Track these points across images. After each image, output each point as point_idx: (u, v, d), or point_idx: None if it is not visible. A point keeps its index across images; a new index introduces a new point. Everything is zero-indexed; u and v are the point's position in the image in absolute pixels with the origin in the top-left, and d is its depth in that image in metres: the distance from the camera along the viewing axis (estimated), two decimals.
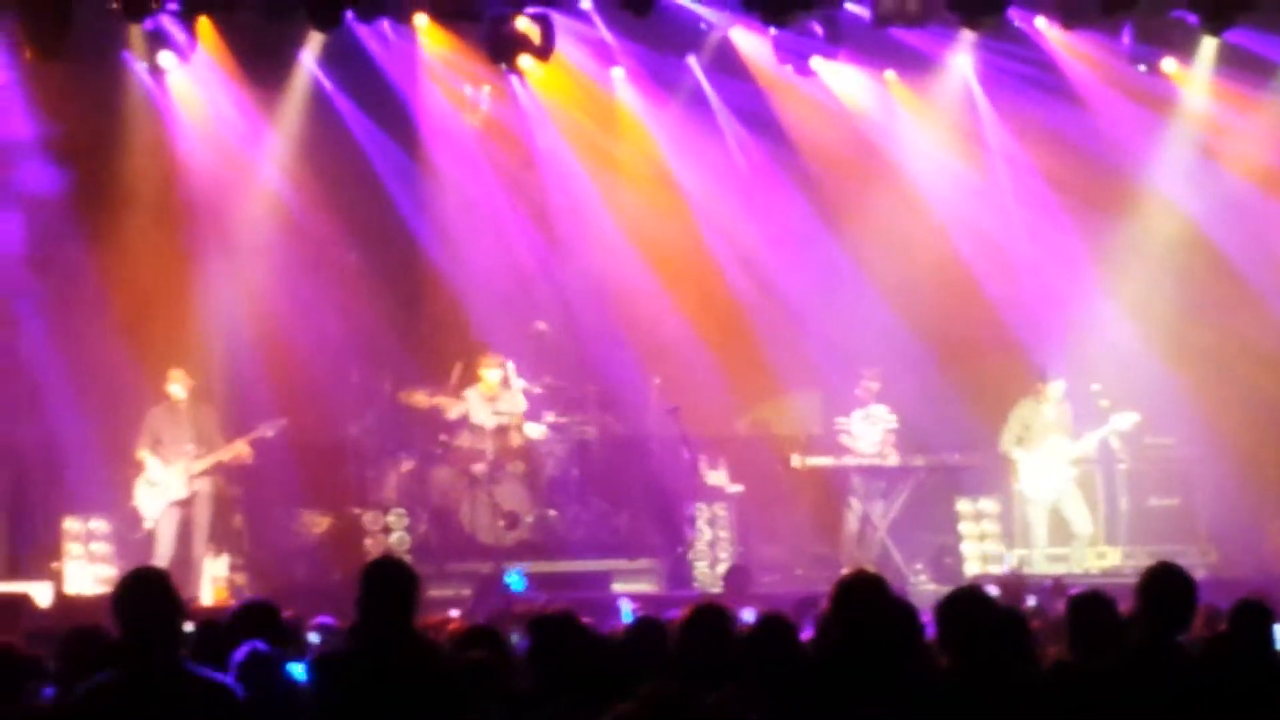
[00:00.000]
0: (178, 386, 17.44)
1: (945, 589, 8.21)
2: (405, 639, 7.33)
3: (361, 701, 7.19)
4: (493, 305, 19.57)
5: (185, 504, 17.40)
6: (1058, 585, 13.78)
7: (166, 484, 17.34)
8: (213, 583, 17.34)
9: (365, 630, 7.36)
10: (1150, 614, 7.37)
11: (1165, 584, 7.43)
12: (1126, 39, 18.32)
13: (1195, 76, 18.89)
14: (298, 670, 7.78)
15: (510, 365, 18.74)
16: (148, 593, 6.79)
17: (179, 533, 17.38)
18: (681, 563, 18.10)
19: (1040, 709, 7.03)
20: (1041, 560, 17.95)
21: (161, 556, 16.87)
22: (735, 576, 16.85)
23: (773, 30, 17.83)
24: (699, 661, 7.48)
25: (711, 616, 7.76)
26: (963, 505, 18.58)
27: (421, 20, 18.34)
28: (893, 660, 6.98)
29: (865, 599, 7.06)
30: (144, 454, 17.37)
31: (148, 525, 17.33)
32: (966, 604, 7.29)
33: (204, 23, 17.89)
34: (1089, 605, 8.09)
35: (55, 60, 16.76)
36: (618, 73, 19.84)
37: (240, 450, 17.58)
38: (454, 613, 13.63)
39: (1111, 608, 8.01)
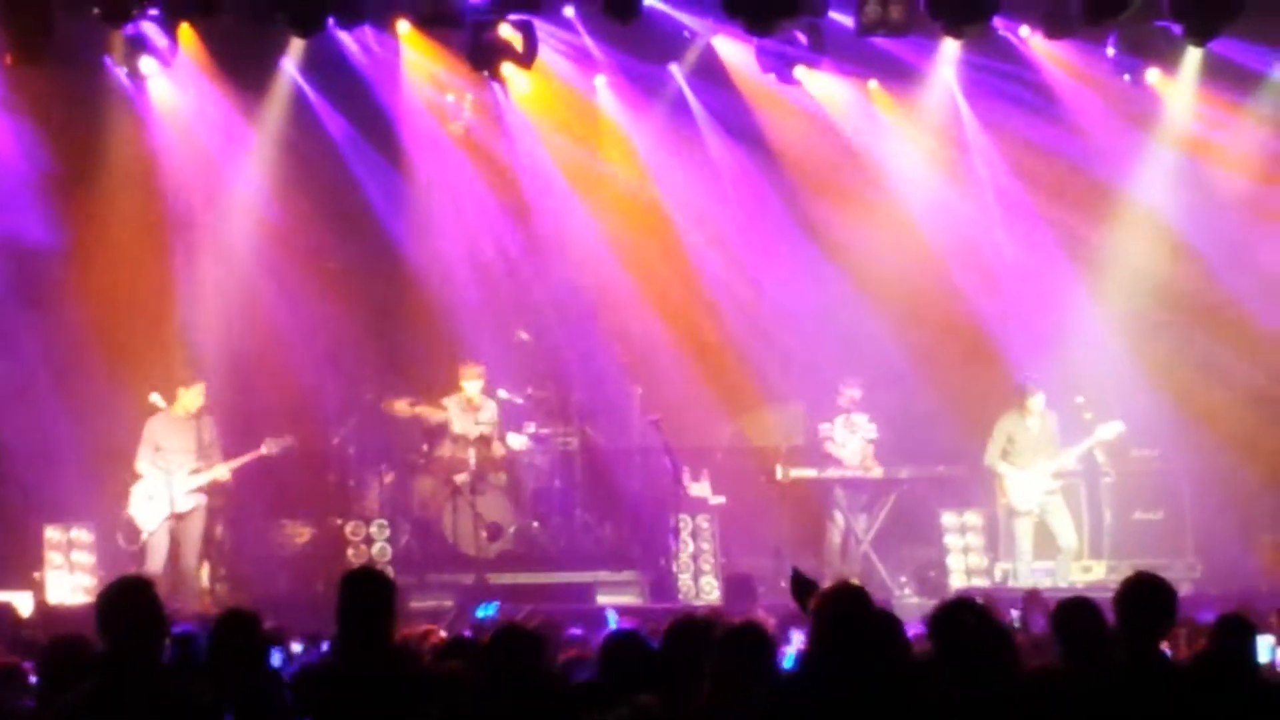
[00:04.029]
0: (197, 398, 17.31)
1: (929, 602, 8.17)
2: (383, 650, 7.28)
3: (340, 712, 7.15)
4: (475, 315, 19.52)
5: (181, 517, 17.25)
6: (1032, 596, 13.63)
7: (164, 496, 17.14)
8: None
9: (344, 641, 7.32)
10: (1129, 624, 7.33)
11: (1141, 593, 7.39)
12: (1111, 49, 18.32)
13: (1179, 87, 18.88)
14: None
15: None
16: (132, 602, 6.74)
17: (171, 544, 17.25)
18: (665, 575, 18.04)
19: (1028, 717, 7.00)
20: (1027, 574, 17.91)
21: (154, 568, 16.77)
22: (732, 585, 16.72)
23: (756, 39, 17.81)
24: (681, 674, 7.43)
25: (692, 630, 7.71)
26: (948, 518, 18.54)
27: (403, 27, 18.35)
28: (876, 672, 6.93)
29: (846, 611, 7.01)
30: (143, 465, 17.23)
31: (144, 537, 17.16)
32: (962, 613, 7.25)
33: (185, 28, 17.87)
34: (1075, 612, 8.06)
35: (36, 65, 16.72)
36: (600, 81, 19.81)
37: (226, 473, 17.44)
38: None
39: (1098, 614, 7.98)
